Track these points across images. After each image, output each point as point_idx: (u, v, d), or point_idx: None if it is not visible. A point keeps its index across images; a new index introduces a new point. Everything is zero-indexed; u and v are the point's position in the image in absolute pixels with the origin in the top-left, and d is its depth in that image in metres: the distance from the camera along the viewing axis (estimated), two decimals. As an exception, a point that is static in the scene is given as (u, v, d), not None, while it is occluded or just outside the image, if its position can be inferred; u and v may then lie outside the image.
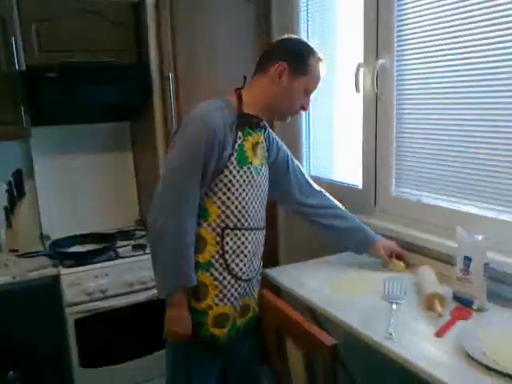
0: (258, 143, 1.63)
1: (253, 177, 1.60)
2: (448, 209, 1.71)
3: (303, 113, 1.66)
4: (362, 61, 1.96)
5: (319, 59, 1.59)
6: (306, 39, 2.34)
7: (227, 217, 1.56)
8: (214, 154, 1.49)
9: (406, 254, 1.79)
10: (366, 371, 1.94)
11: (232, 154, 1.53)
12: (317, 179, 2.38)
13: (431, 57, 1.69)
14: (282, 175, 1.80)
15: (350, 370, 1.90)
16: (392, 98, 1.86)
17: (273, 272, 1.82)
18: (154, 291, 2.21)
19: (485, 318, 1.38)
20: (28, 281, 2.06)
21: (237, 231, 1.58)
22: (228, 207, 1.55)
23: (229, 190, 1.54)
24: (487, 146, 1.54)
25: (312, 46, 1.62)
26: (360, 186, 2.10)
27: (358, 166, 2.09)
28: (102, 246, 2.32)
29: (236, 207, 1.56)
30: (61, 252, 2.26)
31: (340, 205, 1.89)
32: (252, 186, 1.60)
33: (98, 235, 2.48)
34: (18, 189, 2.39)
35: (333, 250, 2.07)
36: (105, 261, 2.21)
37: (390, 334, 1.29)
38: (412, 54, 1.77)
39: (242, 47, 2.39)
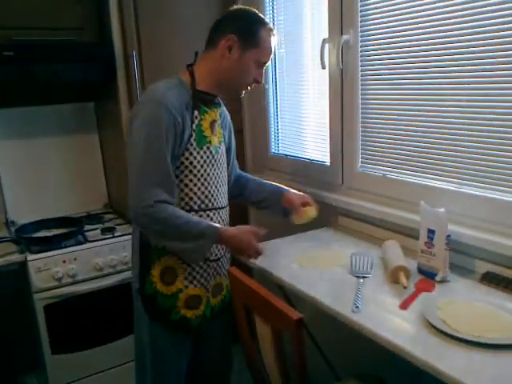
0: (214, 121, 1.60)
1: (213, 156, 1.58)
2: (412, 183, 1.73)
3: (257, 85, 1.62)
4: (326, 36, 1.95)
5: (270, 30, 1.55)
6: (270, 15, 2.32)
7: (191, 199, 1.54)
8: (176, 136, 1.46)
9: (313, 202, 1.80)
10: (336, 343, 1.99)
11: (191, 135, 1.51)
12: (285, 157, 2.40)
13: (395, 32, 1.69)
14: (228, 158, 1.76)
15: (320, 343, 1.94)
16: (357, 75, 1.86)
17: (242, 251, 1.82)
18: (124, 275, 2.21)
19: (447, 288, 1.42)
20: (-6, 268, 2.01)
21: (201, 212, 1.57)
22: (191, 189, 1.54)
23: (190, 172, 1.52)
24: (449, 121, 1.57)
25: (262, 16, 1.57)
26: (328, 163, 2.11)
27: (326, 143, 2.10)
28: (70, 230, 2.28)
29: (199, 188, 1.55)
30: (27, 237, 2.21)
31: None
32: (213, 166, 1.59)
33: (65, 219, 2.43)
34: (-21, 174, 2.32)
35: (302, 228, 2.09)
36: (73, 245, 2.17)
37: (357, 307, 1.31)
38: (376, 28, 1.77)
39: (207, 21, 2.33)
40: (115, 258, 2.21)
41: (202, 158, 1.54)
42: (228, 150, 1.75)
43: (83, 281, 2.16)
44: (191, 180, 1.53)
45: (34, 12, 2.12)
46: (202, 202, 1.57)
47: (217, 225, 1.53)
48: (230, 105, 2.53)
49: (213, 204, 1.60)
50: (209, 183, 1.57)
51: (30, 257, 2.07)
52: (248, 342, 1.49)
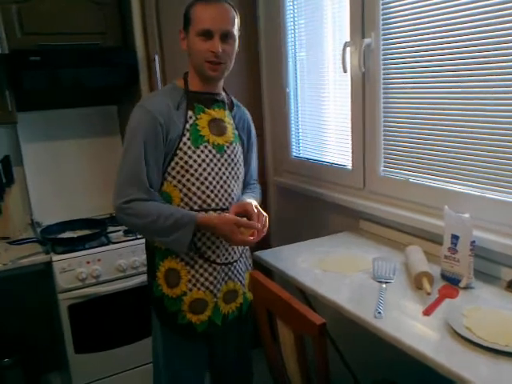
0: (216, 119, 1.57)
1: (214, 156, 1.55)
2: (435, 188, 1.72)
3: (215, 58, 1.48)
4: (348, 40, 1.94)
5: (198, 2, 1.50)
6: (291, 18, 2.32)
7: (190, 199, 1.53)
8: (158, 139, 1.47)
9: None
10: (357, 348, 1.98)
11: (183, 135, 1.50)
12: (306, 161, 2.40)
13: (417, 35, 1.68)
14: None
15: (340, 348, 1.93)
16: (379, 78, 1.85)
17: (263, 254, 1.83)
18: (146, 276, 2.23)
19: (472, 295, 1.40)
20: (20, 268, 2.05)
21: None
22: (189, 189, 1.52)
23: (187, 171, 1.51)
24: (473, 125, 1.55)
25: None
26: (349, 167, 2.10)
27: (348, 147, 2.09)
28: (94, 231, 2.32)
29: (198, 188, 1.53)
30: (52, 238, 2.25)
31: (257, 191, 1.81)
32: (215, 165, 1.55)
33: (89, 221, 2.47)
34: (6, 175, 2.37)
35: (323, 232, 2.09)
36: (97, 246, 2.21)
37: (379, 312, 1.31)
38: (398, 32, 1.75)
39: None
40: (137, 260, 2.24)
41: (199, 157, 1.52)
42: (246, 153, 1.72)
43: (106, 282, 2.19)
44: (188, 180, 1.52)
45: (59, 18, 2.17)
46: (204, 201, 1.54)
47: (193, 213, 1.50)
48: (251, 108, 2.55)
49: (217, 204, 1.56)
50: (210, 182, 1.54)
51: (55, 257, 2.11)
52: (270, 346, 1.49)
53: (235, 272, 1.64)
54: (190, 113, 1.53)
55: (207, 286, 1.57)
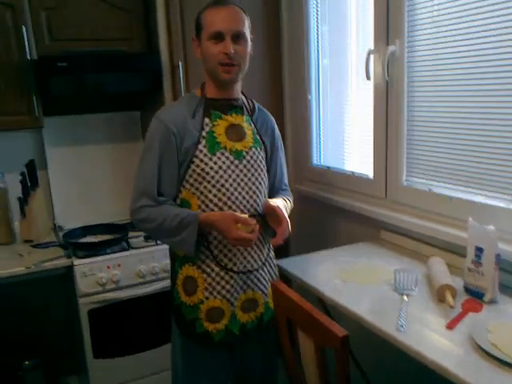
0: (234, 125, 1.56)
1: (231, 162, 1.53)
2: (459, 199, 1.69)
3: (228, 60, 1.47)
4: (372, 47, 1.93)
5: (209, 5, 1.51)
6: (314, 26, 2.32)
7: (207, 206, 1.52)
8: (172, 149, 1.50)
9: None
10: (376, 361, 1.95)
11: (199, 143, 1.50)
12: (327, 169, 2.39)
13: (443, 43, 1.66)
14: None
15: (359, 359, 1.90)
16: (403, 86, 1.84)
17: (283, 263, 1.82)
18: (166, 282, 2.24)
19: (496, 309, 1.37)
20: (42, 271, 2.08)
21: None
22: (206, 196, 1.52)
23: (204, 178, 1.51)
24: (499, 135, 1.52)
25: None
26: (371, 176, 2.08)
27: (369, 156, 2.08)
28: (115, 236, 2.34)
29: (215, 195, 1.52)
30: (74, 242, 2.28)
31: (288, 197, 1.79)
32: (233, 172, 1.54)
33: (111, 225, 2.49)
34: (31, 179, 2.41)
35: (343, 241, 2.08)
36: (117, 251, 2.22)
37: (401, 325, 1.29)
38: (423, 40, 1.74)
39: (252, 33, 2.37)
40: (157, 266, 2.24)
41: (215, 164, 1.51)
42: (270, 158, 1.69)
43: (126, 287, 2.20)
44: (205, 187, 1.51)
45: (86, 24, 2.22)
46: (221, 208, 1.52)
47: (196, 211, 1.51)
48: (272, 114, 2.55)
49: (235, 211, 1.53)
50: (227, 189, 1.52)
51: (77, 262, 2.13)
52: (289, 356, 1.48)
53: (255, 281, 1.61)
54: (206, 120, 1.53)
55: (224, 295, 1.56)
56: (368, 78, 1.94)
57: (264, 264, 1.64)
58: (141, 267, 2.21)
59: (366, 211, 2.05)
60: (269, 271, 1.66)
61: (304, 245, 2.52)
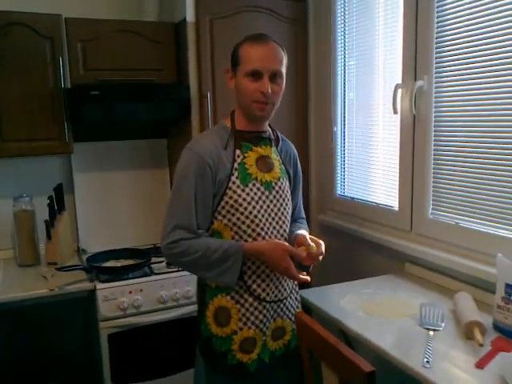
0: (264, 156, 1.58)
1: (262, 193, 1.54)
2: (487, 234, 1.66)
3: (264, 98, 1.48)
4: (399, 82, 1.95)
5: (253, 40, 1.51)
6: (341, 59, 2.36)
7: (241, 237, 1.52)
8: (207, 180, 1.48)
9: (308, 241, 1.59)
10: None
11: (232, 174, 1.51)
12: (351, 200, 2.38)
13: (470, 79, 1.68)
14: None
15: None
16: (430, 120, 1.84)
17: (306, 293, 1.80)
18: (186, 309, 2.25)
19: (528, 349, 1.33)
20: (65, 294, 2.10)
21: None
22: (240, 227, 1.52)
23: (237, 210, 1.51)
24: (530, 170, 1.51)
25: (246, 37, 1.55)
26: (396, 208, 2.07)
27: (395, 188, 2.07)
28: (137, 261, 2.35)
29: (248, 226, 1.52)
30: (97, 266, 2.30)
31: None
32: (264, 203, 1.55)
33: (134, 250, 2.51)
34: (58, 203, 2.46)
35: (367, 273, 2.05)
36: (139, 276, 2.23)
37: (428, 361, 1.26)
38: (451, 75, 1.75)
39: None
40: (178, 292, 2.24)
41: (248, 195, 1.52)
42: (293, 187, 1.71)
43: (147, 312, 2.20)
44: (238, 218, 1.51)
45: (120, 55, 2.30)
46: (254, 239, 1.52)
47: (240, 242, 1.51)
48: (298, 145, 2.57)
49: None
50: (260, 220, 1.53)
51: (99, 285, 2.15)
52: (312, 388, 1.45)
53: (284, 309, 1.62)
54: (237, 152, 1.54)
55: (257, 325, 1.55)
56: (395, 112, 1.95)
57: (291, 292, 1.65)
58: (162, 293, 2.21)
59: (390, 243, 2.04)
60: (296, 298, 1.68)
61: (327, 276, 2.49)
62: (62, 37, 2.20)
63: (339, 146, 2.45)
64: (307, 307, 1.75)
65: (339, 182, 2.48)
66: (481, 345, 1.32)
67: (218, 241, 1.51)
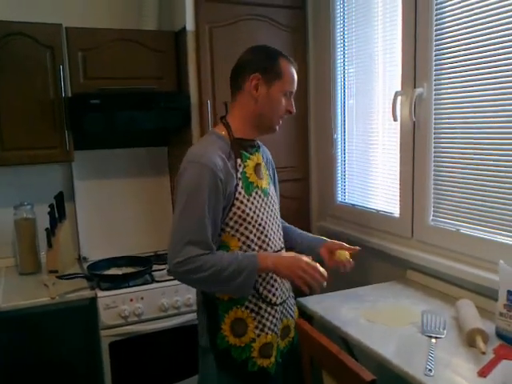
0: (258, 164, 1.59)
1: (263, 200, 1.57)
2: (489, 240, 1.66)
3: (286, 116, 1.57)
4: (399, 89, 1.95)
5: (289, 59, 1.55)
6: (341, 67, 2.37)
7: (249, 247, 1.53)
8: (219, 194, 1.46)
9: (349, 246, 1.72)
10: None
11: (237, 185, 1.50)
12: (352, 206, 2.38)
13: (469, 86, 1.68)
14: None
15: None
16: (430, 127, 1.85)
17: (307, 301, 1.80)
18: (187, 317, 2.24)
19: (531, 357, 1.32)
20: (66, 302, 2.10)
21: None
22: (247, 237, 1.52)
23: (244, 220, 1.51)
24: (530, 177, 1.51)
25: (276, 48, 1.57)
26: (397, 215, 2.07)
27: (395, 195, 2.07)
28: (138, 269, 2.35)
29: (255, 235, 1.53)
30: (98, 274, 2.30)
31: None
32: (265, 209, 1.57)
33: (135, 258, 2.51)
34: (59, 211, 2.46)
35: (368, 281, 2.05)
36: (141, 284, 2.23)
37: (430, 370, 1.25)
38: (450, 83, 1.76)
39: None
40: (179, 300, 2.24)
41: (252, 204, 1.53)
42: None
43: (148, 320, 2.20)
44: (246, 228, 1.52)
45: (119, 63, 2.31)
46: (260, 246, 1.54)
47: (253, 253, 1.49)
48: (298, 151, 2.58)
49: (271, 247, 1.57)
50: (264, 227, 1.55)
51: (100, 293, 2.14)
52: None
53: (287, 308, 1.66)
54: (238, 161, 1.53)
55: (272, 329, 1.57)
56: (395, 119, 1.95)
57: (289, 291, 1.69)
58: (163, 301, 2.21)
59: (391, 250, 2.03)
60: (292, 296, 1.72)
61: (328, 283, 2.49)
62: (62, 46, 2.21)
63: (339, 153, 2.45)
64: (308, 315, 1.74)
65: (340, 188, 2.48)
66: (483, 353, 1.31)
67: (229, 255, 1.48)
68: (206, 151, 1.49)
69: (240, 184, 1.51)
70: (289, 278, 1.52)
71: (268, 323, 1.56)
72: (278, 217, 1.66)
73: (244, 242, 1.52)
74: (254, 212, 1.53)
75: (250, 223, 1.52)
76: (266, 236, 1.55)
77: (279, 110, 1.54)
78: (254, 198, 1.54)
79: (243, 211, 1.51)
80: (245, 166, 1.54)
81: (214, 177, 1.44)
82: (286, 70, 1.52)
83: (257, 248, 1.53)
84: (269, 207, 1.59)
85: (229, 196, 1.49)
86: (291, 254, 1.52)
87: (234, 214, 1.50)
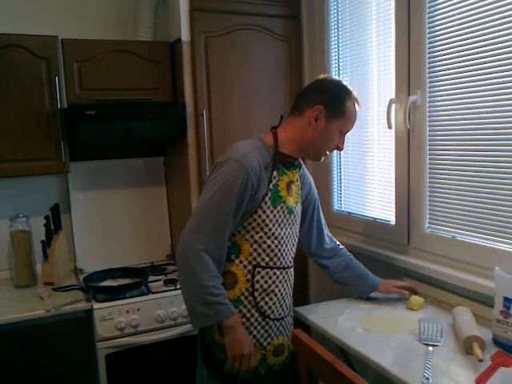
0: (292, 182, 1.64)
1: (285, 216, 1.60)
2: (484, 247, 1.66)
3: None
4: (393, 97, 1.96)
5: (356, 100, 1.60)
6: (336, 74, 2.38)
7: (259, 255, 1.56)
8: (247, 196, 1.50)
9: (412, 285, 1.82)
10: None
11: (266, 194, 1.54)
12: (348, 215, 2.38)
13: (463, 93, 1.69)
14: (303, 218, 1.78)
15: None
16: (424, 134, 1.85)
17: (303, 310, 1.80)
18: (184, 327, 2.23)
19: (528, 364, 1.32)
20: (62, 314, 2.08)
21: (268, 270, 1.58)
22: (260, 245, 1.56)
23: (262, 229, 1.55)
24: (525, 183, 1.51)
25: (348, 87, 1.61)
26: (393, 223, 2.07)
27: (391, 202, 2.07)
28: (134, 280, 2.34)
29: (268, 246, 1.57)
30: (94, 286, 2.29)
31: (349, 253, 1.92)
32: (285, 225, 1.60)
33: (131, 269, 2.50)
34: (55, 223, 2.45)
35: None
36: (137, 296, 2.22)
37: (427, 378, 1.24)
38: (444, 90, 1.76)
39: (274, 85, 2.45)
40: (176, 311, 2.23)
41: (274, 216, 1.57)
42: (306, 209, 1.77)
43: (144, 332, 2.18)
44: (261, 237, 1.55)
45: (116, 74, 2.31)
46: (271, 259, 1.58)
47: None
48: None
49: (281, 263, 1.61)
50: (279, 242, 1.58)
51: (96, 305, 2.13)
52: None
53: (285, 326, 1.67)
54: (274, 173, 1.57)
55: (258, 339, 1.58)
56: (389, 127, 1.96)
57: (290, 310, 1.70)
58: (160, 312, 2.20)
59: (387, 258, 2.03)
60: (292, 315, 1.73)
61: (324, 292, 2.49)
62: (58, 57, 2.21)
63: (335, 162, 2.46)
64: (305, 324, 1.74)
65: (336, 197, 2.48)
66: (480, 360, 1.30)
67: (224, 292, 1.51)
68: (248, 152, 1.53)
69: (269, 194, 1.55)
70: (228, 349, 1.52)
71: (255, 332, 1.57)
72: (296, 235, 1.68)
73: (255, 250, 1.56)
74: (274, 225, 1.56)
75: (266, 234, 1.55)
76: (278, 250, 1.58)
77: (330, 145, 1.61)
78: (278, 211, 1.57)
79: (263, 221, 1.54)
80: (279, 180, 1.58)
81: (247, 179, 1.49)
82: (349, 111, 1.58)
83: (267, 259, 1.57)
84: (289, 225, 1.62)
85: (255, 201, 1.52)
86: (248, 339, 1.53)
87: (254, 220, 1.54)
